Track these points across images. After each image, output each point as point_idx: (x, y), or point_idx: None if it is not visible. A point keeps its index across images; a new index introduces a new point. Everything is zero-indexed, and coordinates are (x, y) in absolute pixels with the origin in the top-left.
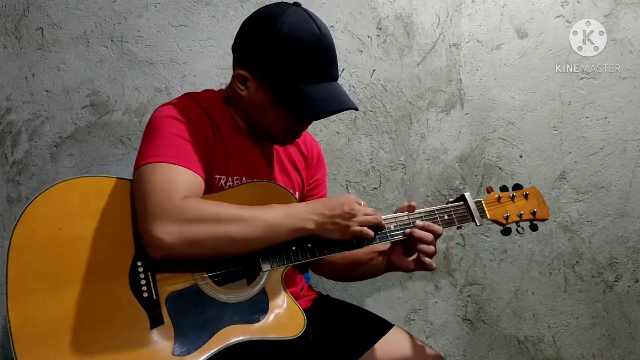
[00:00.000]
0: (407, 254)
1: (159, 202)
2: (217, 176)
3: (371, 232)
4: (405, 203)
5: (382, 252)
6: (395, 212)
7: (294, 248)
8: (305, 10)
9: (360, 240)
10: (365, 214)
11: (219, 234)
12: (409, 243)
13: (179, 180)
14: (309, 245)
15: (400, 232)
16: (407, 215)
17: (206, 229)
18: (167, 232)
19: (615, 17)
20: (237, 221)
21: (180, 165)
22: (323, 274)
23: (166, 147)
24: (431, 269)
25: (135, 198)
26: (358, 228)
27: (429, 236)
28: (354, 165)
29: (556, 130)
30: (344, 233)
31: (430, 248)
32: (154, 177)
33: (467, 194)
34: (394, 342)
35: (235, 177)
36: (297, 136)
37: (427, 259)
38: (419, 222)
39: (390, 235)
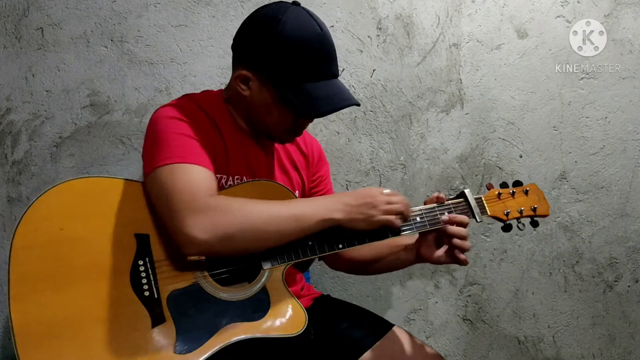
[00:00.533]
0: (437, 246)
1: (186, 200)
2: (217, 176)
3: (397, 221)
4: (435, 194)
5: (407, 245)
6: (425, 204)
7: (294, 246)
8: (305, 9)
9: (384, 231)
10: (390, 203)
11: (250, 228)
12: (439, 234)
13: (200, 179)
14: (310, 242)
15: (428, 224)
16: (436, 208)
17: (237, 224)
18: (200, 229)
19: (615, 17)
20: (267, 215)
21: (196, 164)
22: (343, 269)
23: (179, 148)
24: (465, 264)
25: (157, 200)
26: (384, 217)
27: (463, 231)
28: (354, 165)
29: (556, 130)
30: (369, 223)
31: (466, 243)
32: (174, 178)
33: (467, 191)
34: (394, 342)
35: (235, 177)
36: (299, 134)
37: (462, 255)
38: (444, 217)
39: (415, 227)
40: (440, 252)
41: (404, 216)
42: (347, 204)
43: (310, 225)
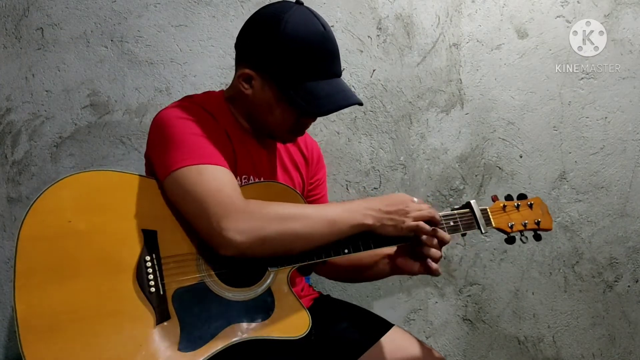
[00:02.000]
0: (413, 257)
1: (221, 203)
2: None
3: (427, 227)
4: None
5: (386, 255)
6: None
7: None
8: (308, 8)
9: (406, 237)
10: (419, 209)
11: (287, 231)
12: (415, 246)
13: (228, 180)
14: None
15: (461, 226)
16: (442, 217)
17: (274, 226)
18: (238, 231)
19: (615, 17)
20: (302, 218)
21: (219, 165)
22: (330, 276)
23: (198, 149)
24: (437, 275)
25: (185, 201)
26: (414, 223)
27: (432, 241)
28: (354, 165)
29: (556, 130)
30: (399, 229)
31: (437, 253)
32: (203, 179)
33: (472, 202)
34: (394, 342)
35: (243, 176)
36: (301, 134)
37: (434, 264)
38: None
39: (449, 229)
40: (415, 262)
41: (434, 221)
42: (379, 209)
43: (344, 229)
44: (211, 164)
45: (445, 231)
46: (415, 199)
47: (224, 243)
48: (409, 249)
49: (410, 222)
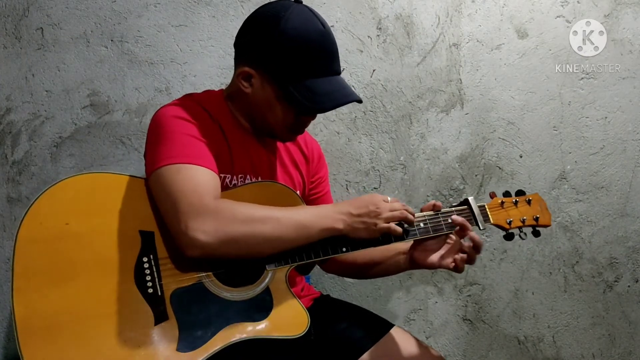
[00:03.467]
0: (431, 251)
1: (192, 203)
2: (222, 175)
3: (398, 229)
4: (431, 202)
5: (403, 250)
6: (422, 211)
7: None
8: (307, 6)
9: (388, 237)
10: (392, 210)
11: (254, 234)
12: (434, 240)
13: (205, 180)
14: (314, 245)
15: (431, 229)
16: (439, 214)
17: (241, 228)
18: (203, 231)
19: (615, 17)
20: (271, 221)
21: (201, 166)
22: (339, 273)
23: (184, 148)
24: (461, 271)
25: (161, 199)
26: (385, 225)
27: (481, 244)
28: (354, 165)
29: (556, 130)
30: (371, 231)
31: (475, 256)
32: (179, 178)
33: (470, 198)
34: (394, 342)
35: (239, 176)
36: (300, 132)
37: (463, 265)
38: (455, 217)
39: (419, 232)
40: (435, 257)
41: (408, 222)
42: (350, 213)
43: (313, 234)
44: (193, 164)
45: (443, 228)
46: (389, 198)
47: (189, 243)
48: (427, 242)
49: (381, 224)
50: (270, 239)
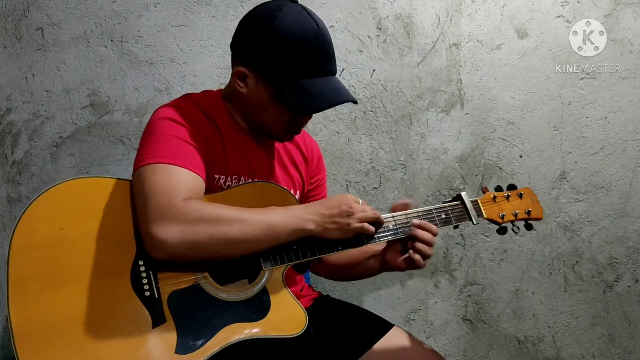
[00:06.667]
0: (402, 253)
1: (159, 204)
2: (216, 176)
3: (372, 228)
4: (400, 201)
5: (375, 252)
6: (391, 211)
7: (294, 247)
8: (302, 6)
9: (360, 238)
10: (363, 211)
11: (220, 235)
12: (405, 242)
13: (179, 181)
14: (309, 244)
15: (400, 231)
16: (405, 214)
17: (207, 230)
18: (167, 233)
19: (615, 17)
20: (238, 222)
21: (179, 166)
22: (322, 274)
23: (165, 148)
24: (420, 267)
25: (136, 199)
26: (358, 225)
27: (430, 237)
28: (354, 165)
29: (556, 130)
30: (344, 231)
31: (429, 250)
32: (153, 179)
33: (463, 194)
34: (394, 342)
35: (234, 177)
36: (297, 132)
37: (417, 255)
38: (415, 221)
39: (389, 234)
40: (402, 258)
41: (379, 222)
42: (321, 213)
43: (282, 235)
44: (171, 164)
45: (437, 224)
46: (360, 200)
47: (153, 245)
48: (399, 244)
49: (355, 224)
50: (236, 241)
